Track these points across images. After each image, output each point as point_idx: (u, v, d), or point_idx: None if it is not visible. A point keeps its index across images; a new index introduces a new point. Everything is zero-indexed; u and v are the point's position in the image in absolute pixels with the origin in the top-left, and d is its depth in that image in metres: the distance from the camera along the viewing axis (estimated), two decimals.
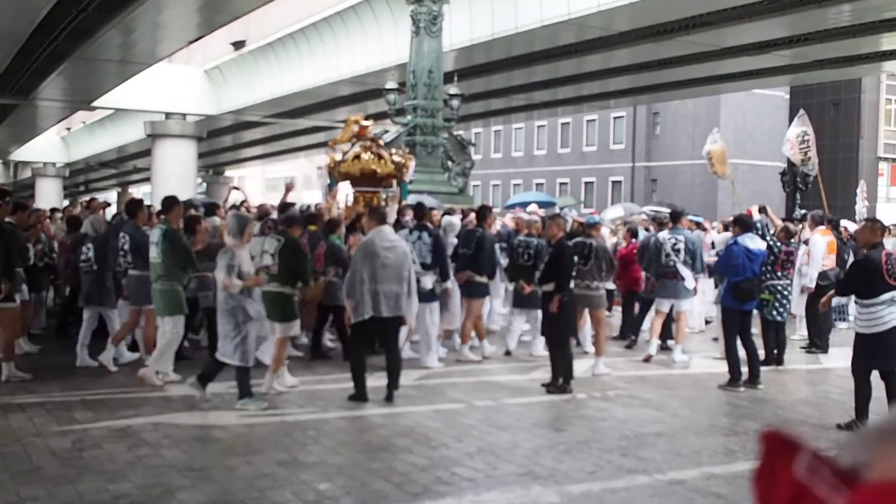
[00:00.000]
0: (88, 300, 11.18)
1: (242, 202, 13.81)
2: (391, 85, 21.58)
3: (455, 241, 12.85)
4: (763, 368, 11.12)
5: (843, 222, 16.66)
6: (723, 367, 10.77)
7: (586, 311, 12.07)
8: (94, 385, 9.79)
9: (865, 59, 26.33)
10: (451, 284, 12.20)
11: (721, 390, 10.43)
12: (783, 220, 15.66)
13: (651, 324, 12.99)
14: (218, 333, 9.00)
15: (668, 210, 14.65)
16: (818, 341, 13.85)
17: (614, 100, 37.16)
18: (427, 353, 11.57)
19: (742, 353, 10.70)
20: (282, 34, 31.37)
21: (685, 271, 12.43)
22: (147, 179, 52.89)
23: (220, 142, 47.84)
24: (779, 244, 12.21)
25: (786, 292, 12.34)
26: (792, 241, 12.97)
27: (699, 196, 48.50)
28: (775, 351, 12.38)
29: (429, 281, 11.39)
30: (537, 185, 60.89)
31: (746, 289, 10.60)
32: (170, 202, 10.45)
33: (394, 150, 16.30)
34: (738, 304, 10.63)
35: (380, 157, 15.61)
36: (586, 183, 59.20)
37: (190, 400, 9.10)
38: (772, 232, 12.70)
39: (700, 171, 50.27)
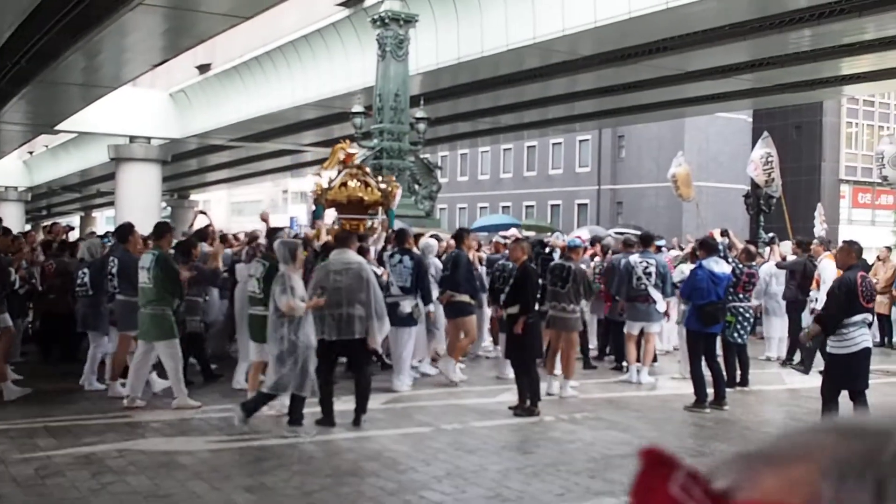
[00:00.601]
0: (84, 325, 11.22)
1: (207, 226, 13.77)
2: (357, 108, 21.58)
3: (436, 261, 12.92)
4: (727, 390, 11.18)
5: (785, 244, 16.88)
6: (689, 389, 10.82)
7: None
8: (58, 412, 9.68)
9: (826, 83, 26.69)
10: (434, 308, 12.20)
11: (687, 412, 10.48)
12: (746, 242, 15.84)
13: (626, 348, 13.03)
14: (269, 364, 8.87)
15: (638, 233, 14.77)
16: (805, 361, 13.93)
17: (579, 123, 37.38)
18: (397, 376, 11.52)
19: (708, 374, 10.76)
20: (247, 57, 31.30)
21: (656, 294, 12.51)
22: (111, 203, 52.44)
23: (184, 165, 47.56)
24: (740, 266, 12.32)
25: (747, 314, 12.44)
26: (754, 263, 13.10)
27: (664, 218, 48.82)
28: (739, 372, 12.46)
29: (407, 305, 11.41)
30: (503, 207, 61.04)
31: (711, 312, 10.67)
32: (162, 229, 10.52)
33: (380, 178, 16.35)
34: (702, 326, 10.69)
35: (366, 184, 15.67)
36: (552, 206, 59.44)
37: (155, 425, 9.01)
38: (733, 254, 12.81)
39: (665, 194, 50.63)
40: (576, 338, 11.76)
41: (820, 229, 18.44)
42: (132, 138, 37.70)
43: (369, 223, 15.27)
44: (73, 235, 20.91)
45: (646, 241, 13.27)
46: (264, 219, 13.43)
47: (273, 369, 8.69)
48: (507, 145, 59.39)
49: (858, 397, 8.71)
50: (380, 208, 15.52)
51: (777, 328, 15.58)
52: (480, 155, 64.75)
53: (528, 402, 10.04)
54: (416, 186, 20.98)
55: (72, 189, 60.31)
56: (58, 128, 34.60)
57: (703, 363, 10.75)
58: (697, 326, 10.72)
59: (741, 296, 12.25)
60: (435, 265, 12.90)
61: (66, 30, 18.63)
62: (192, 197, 62.74)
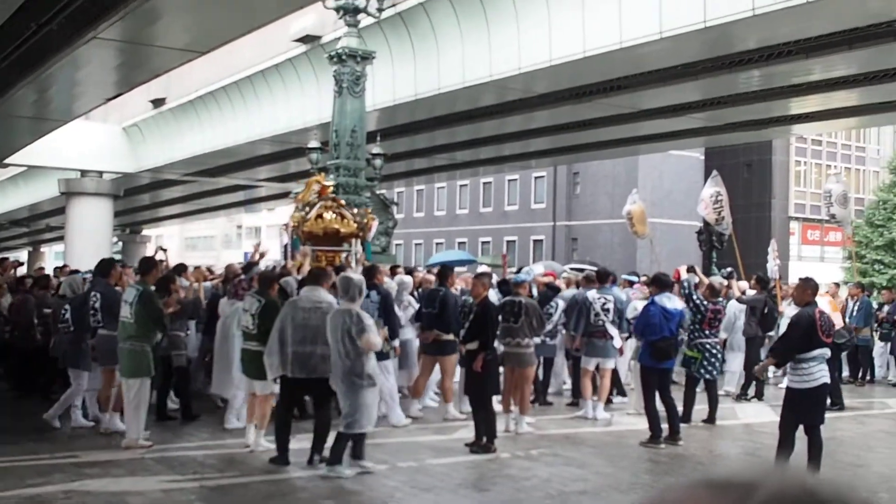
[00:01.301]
0: (65, 362, 11.13)
1: (161, 262, 13.70)
2: (314, 144, 21.54)
3: (410, 298, 12.93)
4: (683, 425, 11.23)
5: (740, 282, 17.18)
6: (644, 424, 10.84)
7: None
8: (2, 452, 9.45)
9: (776, 122, 27.14)
10: (398, 342, 12.17)
11: (643, 447, 10.50)
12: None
13: (581, 384, 13.05)
14: (340, 403, 8.83)
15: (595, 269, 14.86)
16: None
17: (535, 160, 37.63)
18: (391, 411, 11.54)
19: (662, 409, 10.80)
20: (202, 92, 31.18)
21: (613, 330, 12.57)
22: (60, 238, 51.78)
23: (137, 200, 47.14)
24: (705, 302, 12.35)
25: (714, 350, 12.45)
26: (720, 299, 13.17)
27: (619, 254, 49.20)
28: (708, 409, 12.48)
29: None
30: (459, 243, 61.19)
31: (663, 347, 10.73)
32: (148, 264, 10.48)
33: (356, 210, 16.43)
34: (655, 362, 10.75)
35: (342, 216, 15.71)
36: (508, 241, 59.67)
37: (104, 465, 8.84)
38: (700, 291, 12.87)
39: (619, 230, 51.04)
40: (530, 373, 11.74)
41: (773, 265, 18.75)
42: (83, 172, 37.31)
43: (344, 255, 15.33)
44: (22, 271, 20.59)
45: (603, 277, 13.34)
46: (257, 250, 13.60)
47: (350, 409, 8.58)
48: (463, 181, 59.65)
49: (813, 432, 8.78)
50: (355, 240, 15.59)
51: (738, 363, 15.74)
52: (436, 191, 64.95)
53: (484, 439, 10.00)
54: None
55: (20, 223, 59.46)
56: (7, 161, 34.15)
57: (658, 398, 10.80)
58: (650, 362, 10.77)
59: (707, 332, 12.26)
60: (410, 301, 12.95)
61: (17, 63, 18.43)
62: (145, 232, 62.20)
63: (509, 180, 58.75)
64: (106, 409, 10.77)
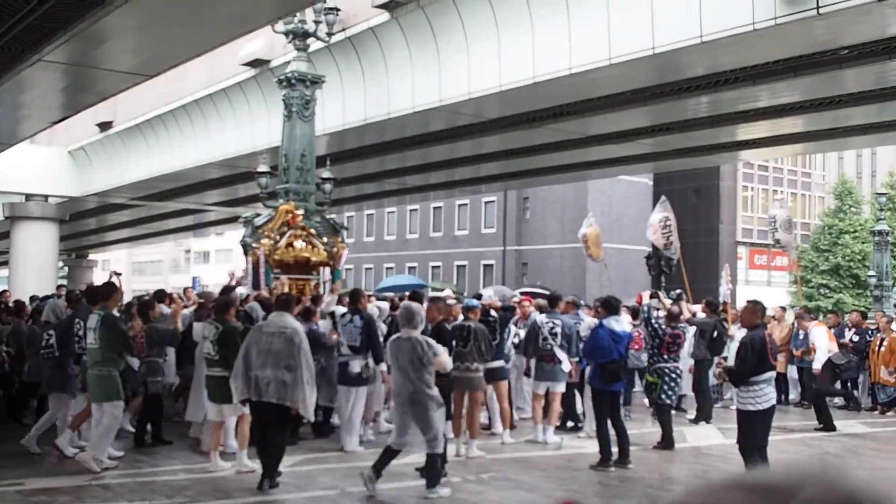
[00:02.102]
0: (50, 387, 11.06)
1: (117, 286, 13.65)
2: (263, 168, 21.39)
3: (382, 325, 12.93)
4: (634, 447, 11.23)
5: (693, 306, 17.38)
6: (594, 447, 10.84)
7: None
8: None
9: (723, 148, 27.49)
10: (384, 366, 12.13)
11: (593, 470, 10.49)
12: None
13: (532, 408, 13.07)
14: (399, 423, 9.16)
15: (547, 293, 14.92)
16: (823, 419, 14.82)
17: (485, 185, 37.74)
18: (348, 436, 11.53)
19: (613, 432, 10.81)
20: (150, 116, 30.88)
21: (562, 354, 12.57)
22: (4, 263, 50.89)
23: (83, 224, 46.49)
24: (663, 327, 12.41)
25: (674, 374, 12.53)
26: (681, 324, 13.26)
27: (568, 279, 49.46)
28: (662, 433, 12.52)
29: (356, 365, 11.46)
30: (410, 268, 61.15)
31: (612, 370, 10.76)
32: (109, 289, 10.54)
33: (325, 239, 16.55)
34: (605, 384, 10.77)
35: (312, 245, 15.75)
36: (458, 266, 59.75)
37: (49, 493, 8.63)
38: (658, 314, 12.95)
39: (569, 255, 51.43)
40: (480, 397, 11.73)
41: (725, 289, 19.02)
42: (28, 196, 36.75)
43: (314, 283, 15.44)
44: None
45: (552, 301, 13.38)
46: (233, 277, 13.68)
47: (427, 430, 8.90)
48: (413, 206, 59.70)
49: (760, 452, 8.83)
50: (323, 268, 15.62)
51: (688, 386, 15.86)
52: (387, 215, 64.91)
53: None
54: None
55: None
56: None
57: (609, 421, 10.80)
58: (601, 385, 10.79)
59: (665, 356, 12.31)
60: (381, 329, 12.94)
61: None
62: (91, 256, 61.31)
63: (459, 205, 58.90)
64: (73, 430, 10.78)
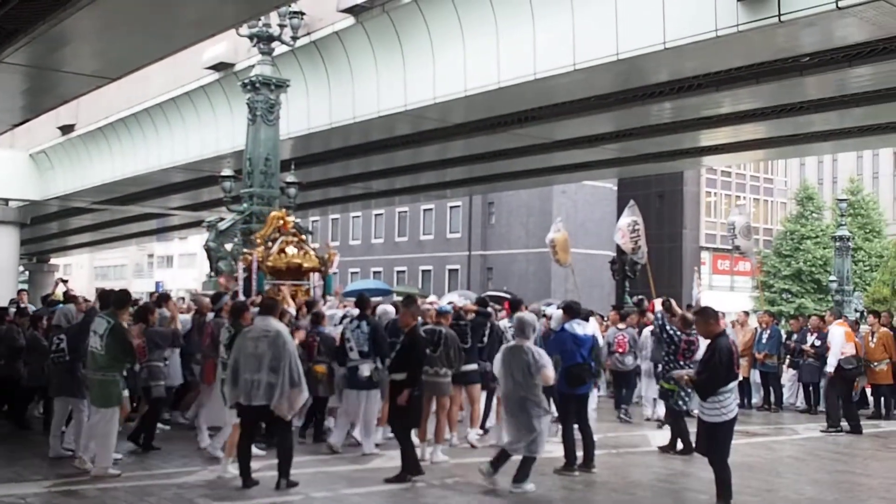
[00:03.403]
0: (60, 391, 10.96)
1: (65, 293, 13.59)
2: (227, 172, 21.30)
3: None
4: (601, 452, 11.26)
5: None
6: (559, 451, 10.86)
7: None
8: None
9: (686, 154, 27.71)
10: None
11: (557, 475, 10.49)
12: (613, 307, 16.23)
13: (496, 413, 13.07)
14: (509, 427, 9.71)
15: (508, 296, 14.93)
16: (851, 423, 15.12)
17: (450, 189, 37.80)
18: (366, 438, 11.67)
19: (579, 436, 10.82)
20: (113, 119, 30.63)
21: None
22: None
23: (45, 228, 46.03)
24: (678, 333, 12.41)
25: None
26: (693, 330, 13.24)
27: (533, 284, 49.63)
28: (672, 439, 12.54)
29: (366, 369, 11.54)
30: (375, 273, 61.05)
31: (576, 373, 10.77)
32: (123, 297, 10.55)
33: (317, 245, 16.78)
34: (570, 388, 10.78)
35: (304, 251, 15.97)
36: (423, 271, 59.75)
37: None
38: (672, 322, 12.94)
39: (534, 259, 51.58)
40: (447, 402, 11.71)
41: (696, 292, 19.25)
42: None
43: (305, 288, 15.69)
44: None
45: (515, 306, 13.40)
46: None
47: (529, 434, 9.43)
48: (378, 211, 59.66)
49: (724, 459, 8.76)
50: (313, 274, 15.88)
51: (654, 390, 15.93)
52: (352, 220, 64.78)
53: (408, 469, 9.89)
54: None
55: None
56: None
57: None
58: (566, 388, 10.80)
59: (682, 363, 12.31)
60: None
61: None
62: (53, 261, 60.70)
63: (425, 210, 58.91)
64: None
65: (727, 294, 54.07)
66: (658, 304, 13.53)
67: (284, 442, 9.39)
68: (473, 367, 12.59)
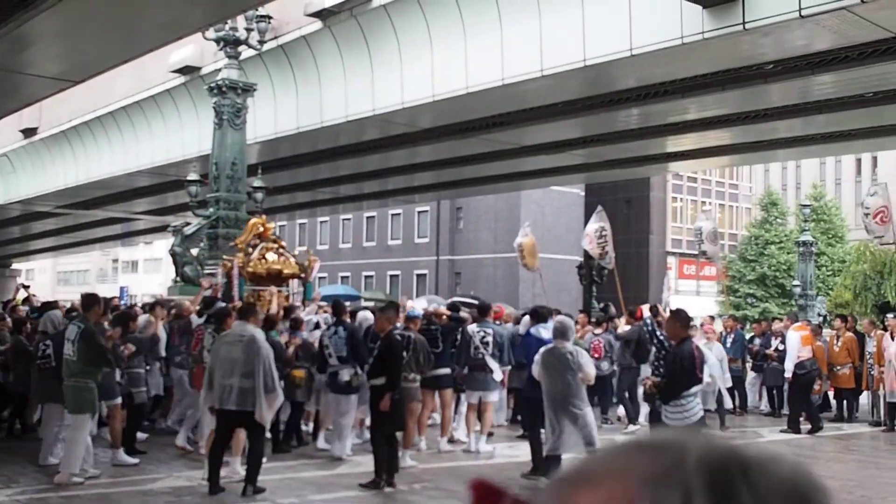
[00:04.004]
0: (48, 397, 10.98)
1: (25, 299, 13.51)
2: (193, 176, 21.15)
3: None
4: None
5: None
6: (527, 456, 10.87)
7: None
8: None
9: (653, 160, 27.86)
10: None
11: (524, 479, 10.50)
12: (580, 311, 16.31)
13: (465, 417, 13.11)
14: (553, 427, 9.95)
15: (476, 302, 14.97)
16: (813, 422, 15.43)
17: (418, 194, 37.76)
18: (338, 442, 11.72)
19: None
20: (77, 122, 30.31)
21: (493, 364, 12.60)
22: None
23: (6, 233, 45.50)
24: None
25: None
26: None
27: (501, 288, 49.66)
28: None
29: (345, 374, 11.63)
30: (342, 278, 60.84)
31: None
32: (88, 300, 10.48)
33: (297, 252, 16.96)
34: (536, 392, 10.80)
35: (284, 257, 16.24)
36: (391, 276, 59.64)
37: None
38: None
39: (502, 264, 51.66)
40: (416, 407, 11.71)
41: (666, 296, 19.37)
42: None
43: (284, 294, 15.91)
44: None
45: (483, 311, 13.41)
46: (210, 286, 13.89)
47: (568, 429, 9.76)
48: (346, 215, 59.45)
49: None
50: (292, 281, 16.19)
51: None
52: (319, 225, 64.54)
53: (384, 476, 9.82)
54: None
55: None
56: None
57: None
58: (532, 393, 10.82)
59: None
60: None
61: None
62: (15, 265, 59.97)
63: (393, 215, 58.82)
64: (117, 444, 11.03)
65: (693, 298, 54.38)
66: (646, 309, 13.67)
67: (255, 448, 9.32)
68: (446, 371, 12.60)
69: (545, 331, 11.09)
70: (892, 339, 16.33)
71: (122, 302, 22.64)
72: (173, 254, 19.90)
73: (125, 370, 11.37)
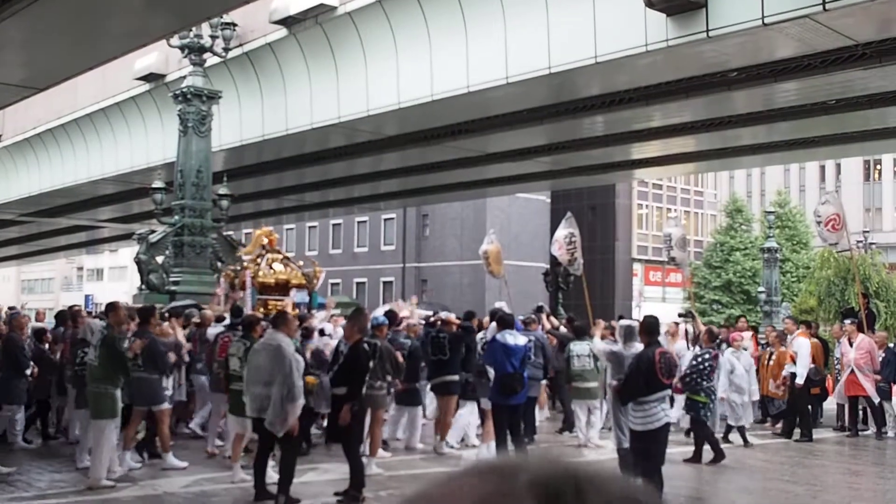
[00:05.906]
0: (84, 403, 10.89)
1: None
2: (158, 184, 21.01)
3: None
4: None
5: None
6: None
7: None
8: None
9: (618, 167, 28.02)
10: None
11: None
12: (567, 319, 16.33)
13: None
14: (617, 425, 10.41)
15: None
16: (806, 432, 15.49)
17: (384, 202, 37.75)
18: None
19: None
20: (41, 129, 30.04)
21: (492, 372, 12.63)
22: None
23: None
24: (710, 352, 12.70)
25: (713, 395, 12.87)
26: (722, 343, 13.43)
27: (468, 295, 49.68)
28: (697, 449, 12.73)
29: None
30: None
31: (507, 383, 10.85)
32: (111, 306, 10.67)
33: (301, 262, 17.15)
34: (503, 398, 10.83)
35: (290, 267, 16.74)
36: (358, 283, 59.51)
37: None
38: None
39: (468, 272, 51.68)
40: (381, 415, 11.69)
41: (638, 302, 19.43)
42: None
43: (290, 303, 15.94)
44: None
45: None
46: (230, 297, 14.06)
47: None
48: (312, 223, 59.29)
49: (655, 472, 8.83)
50: (296, 290, 16.39)
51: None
52: (285, 232, 64.19)
53: (360, 489, 9.71)
54: (219, 264, 20.50)
55: None
56: None
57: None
58: (499, 398, 10.86)
59: (712, 378, 12.68)
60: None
61: None
62: None
63: (359, 222, 58.73)
64: (166, 448, 11.18)
65: (659, 305, 54.66)
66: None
67: (287, 457, 9.27)
68: (454, 377, 12.66)
69: (511, 337, 11.12)
70: (850, 344, 16.50)
71: (88, 310, 22.42)
72: (139, 262, 19.75)
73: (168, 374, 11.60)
